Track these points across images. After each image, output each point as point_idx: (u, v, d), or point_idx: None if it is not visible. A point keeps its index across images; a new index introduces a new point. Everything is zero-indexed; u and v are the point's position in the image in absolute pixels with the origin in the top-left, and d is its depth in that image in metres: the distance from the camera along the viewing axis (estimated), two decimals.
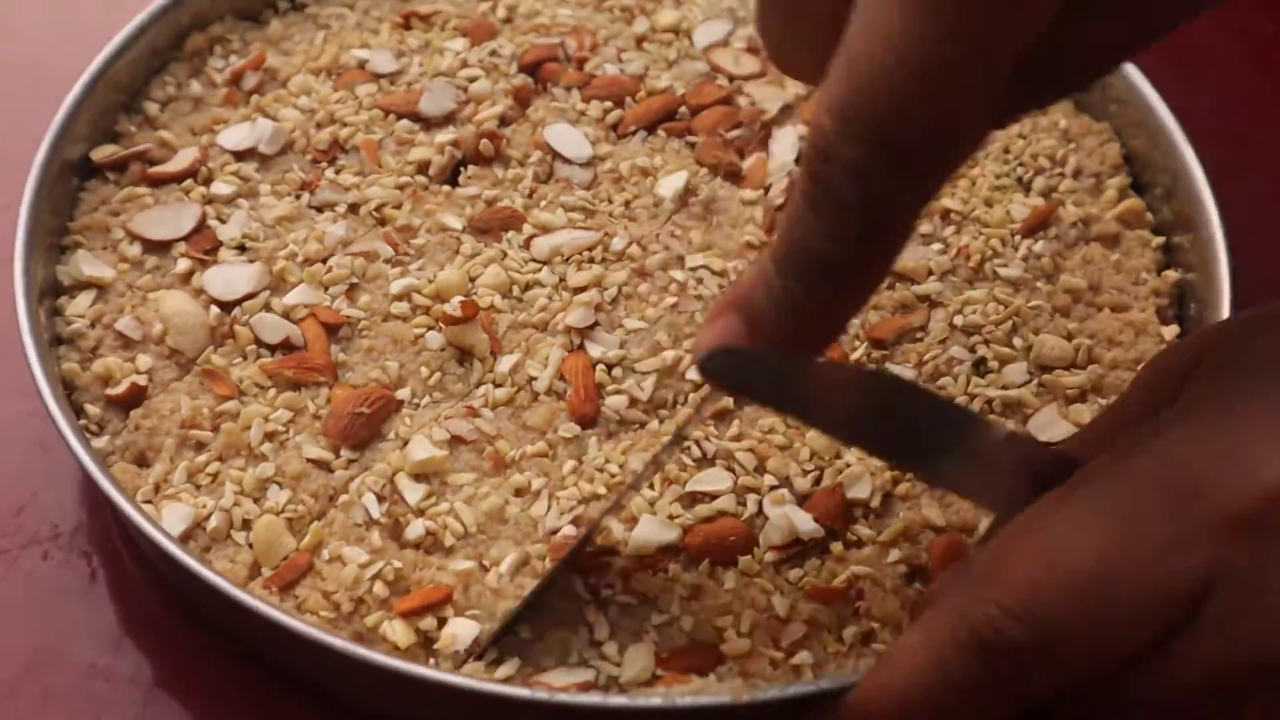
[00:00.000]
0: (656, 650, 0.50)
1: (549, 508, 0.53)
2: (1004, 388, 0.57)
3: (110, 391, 0.56)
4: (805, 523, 0.53)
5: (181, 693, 0.52)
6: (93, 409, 0.55)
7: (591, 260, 0.60)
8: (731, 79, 0.68)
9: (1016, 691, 0.43)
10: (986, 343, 0.59)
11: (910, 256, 0.61)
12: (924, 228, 0.62)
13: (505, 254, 0.60)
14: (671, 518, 0.53)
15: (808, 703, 0.46)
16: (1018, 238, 0.62)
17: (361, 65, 0.67)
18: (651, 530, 0.52)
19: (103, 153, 0.62)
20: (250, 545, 0.52)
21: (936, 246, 0.62)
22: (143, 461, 0.55)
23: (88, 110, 0.62)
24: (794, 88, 0.67)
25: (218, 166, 0.62)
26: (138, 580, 0.55)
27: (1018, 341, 0.59)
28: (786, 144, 0.65)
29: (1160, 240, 0.63)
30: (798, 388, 0.45)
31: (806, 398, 0.45)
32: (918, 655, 0.43)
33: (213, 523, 0.52)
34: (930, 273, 0.61)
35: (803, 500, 0.54)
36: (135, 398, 0.56)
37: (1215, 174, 0.62)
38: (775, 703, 0.46)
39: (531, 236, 0.61)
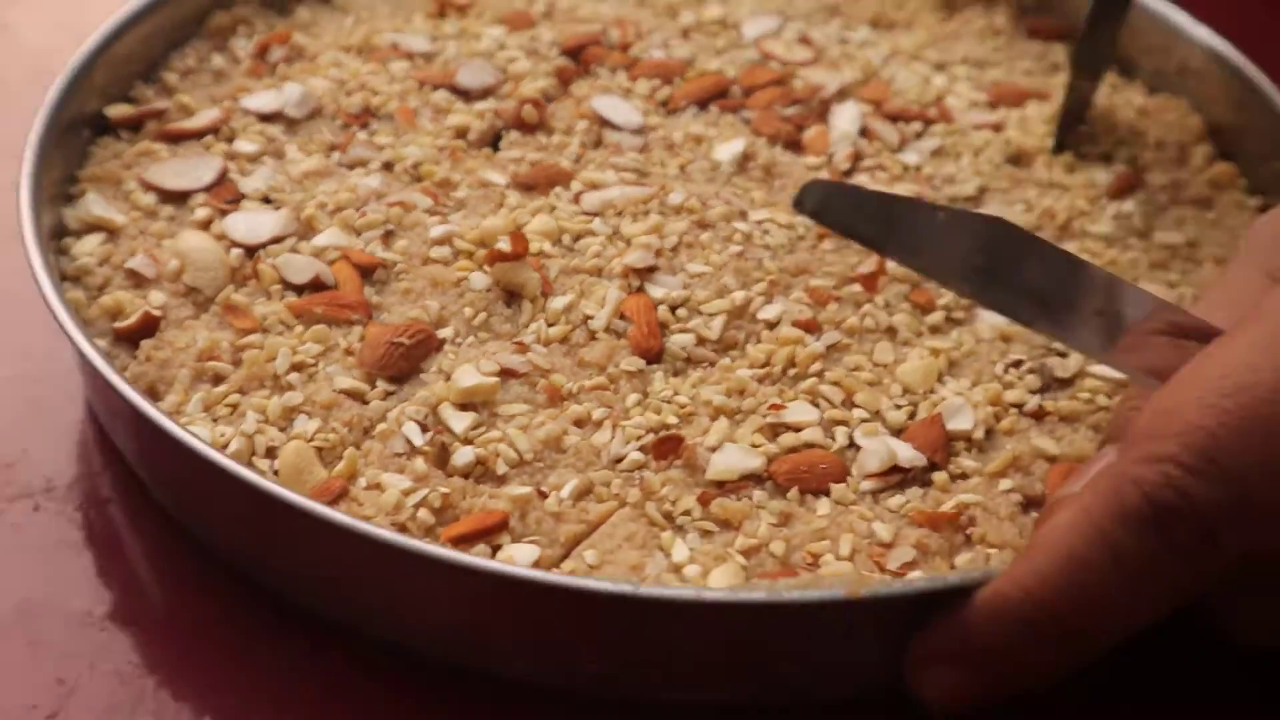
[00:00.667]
0: (746, 575, 0.43)
1: (613, 437, 0.47)
2: None
3: (119, 324, 0.50)
4: (904, 449, 0.47)
5: (183, 635, 0.45)
6: (99, 344, 0.49)
7: (647, 213, 0.55)
8: (784, 64, 0.64)
9: (1203, 565, 0.36)
10: None
11: (993, 213, 0.56)
12: (1002, 184, 0.58)
13: (554, 207, 0.55)
14: (753, 447, 0.47)
15: (938, 604, 0.39)
16: (1104, 199, 0.58)
17: (394, 46, 0.63)
18: (732, 456, 0.46)
19: (118, 110, 0.58)
20: (276, 473, 0.46)
21: (1019, 206, 0.57)
22: (154, 395, 0.48)
23: (100, 71, 0.58)
24: (850, 71, 0.63)
25: (241, 127, 0.58)
26: (137, 532, 0.48)
27: None
28: (847, 117, 0.61)
29: (1258, 201, 0.58)
30: (902, 226, 0.40)
31: (912, 238, 0.40)
32: (1076, 535, 0.37)
33: (233, 446, 0.46)
34: None
35: (898, 433, 0.48)
36: (147, 329, 0.50)
37: None
38: (899, 601, 0.39)
39: (581, 192, 0.56)
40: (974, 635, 0.38)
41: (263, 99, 0.59)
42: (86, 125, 0.57)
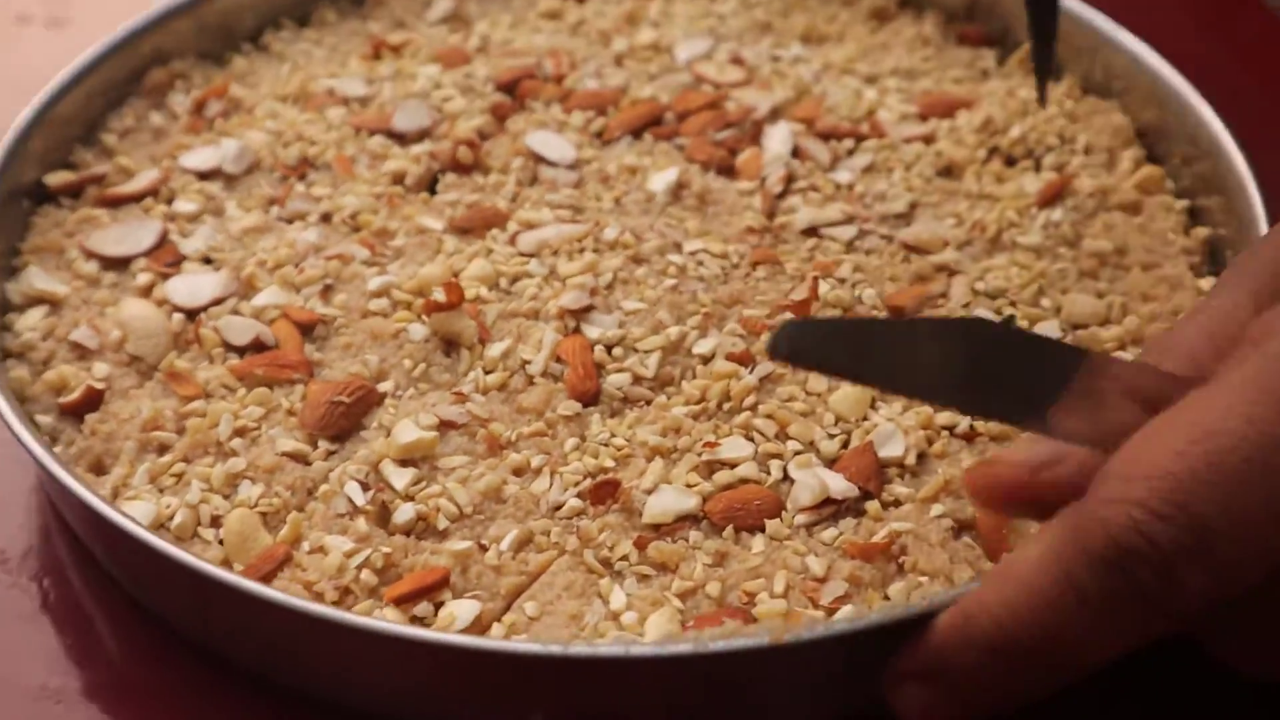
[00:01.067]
0: (682, 619, 0.44)
1: (551, 484, 0.48)
2: None
3: (63, 399, 0.51)
4: (836, 481, 0.47)
5: (141, 706, 0.46)
6: (44, 419, 0.50)
7: (582, 250, 0.56)
8: (717, 86, 0.64)
9: (1165, 606, 0.36)
10: (1013, 304, 0.54)
11: (924, 230, 0.57)
12: (933, 198, 0.58)
13: (490, 250, 0.56)
14: (688, 486, 0.48)
15: (867, 642, 0.40)
16: (1034, 209, 0.58)
17: (330, 92, 0.63)
18: (667, 499, 0.47)
19: (57, 178, 0.59)
20: (220, 542, 0.47)
21: (949, 221, 0.58)
22: (99, 469, 0.49)
23: (39, 138, 0.58)
24: (782, 90, 0.64)
25: (180, 187, 0.59)
26: (93, 601, 0.49)
27: (1046, 302, 0.54)
28: (779, 138, 0.61)
29: (1184, 204, 0.59)
30: (878, 352, 0.40)
31: (890, 362, 0.40)
32: (1043, 573, 0.37)
33: (178, 519, 0.47)
34: (946, 243, 0.57)
35: (831, 463, 0.49)
36: (91, 403, 0.51)
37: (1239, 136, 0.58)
38: (824, 643, 0.40)
39: (517, 233, 0.57)
40: (945, 656, 0.39)
41: (201, 156, 0.60)
42: (25, 195, 0.57)
